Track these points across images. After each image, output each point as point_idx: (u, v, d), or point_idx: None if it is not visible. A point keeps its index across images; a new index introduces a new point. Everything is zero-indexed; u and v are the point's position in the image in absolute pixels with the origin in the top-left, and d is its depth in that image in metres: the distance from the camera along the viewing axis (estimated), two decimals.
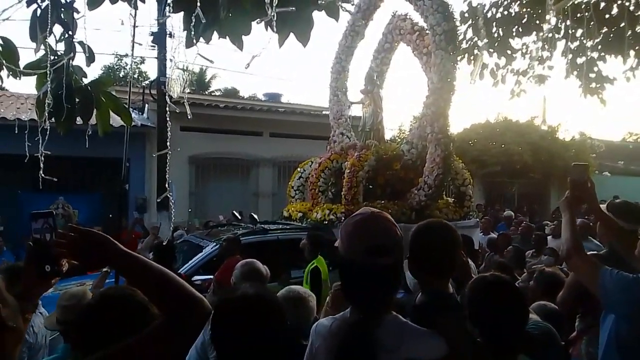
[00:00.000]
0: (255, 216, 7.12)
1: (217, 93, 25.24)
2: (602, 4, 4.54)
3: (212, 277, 4.98)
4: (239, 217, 7.43)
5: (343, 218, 6.37)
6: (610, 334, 1.99)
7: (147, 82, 11.91)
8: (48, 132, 2.81)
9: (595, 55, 4.44)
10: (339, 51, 8.03)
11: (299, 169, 8.22)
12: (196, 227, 9.38)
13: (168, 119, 2.89)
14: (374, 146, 7.07)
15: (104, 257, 1.29)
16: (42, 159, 2.71)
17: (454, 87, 6.42)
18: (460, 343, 1.60)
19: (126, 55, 24.06)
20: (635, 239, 2.13)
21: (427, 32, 6.60)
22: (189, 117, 2.55)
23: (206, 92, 23.35)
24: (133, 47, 3.06)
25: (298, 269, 5.34)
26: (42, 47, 2.69)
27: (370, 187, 7.00)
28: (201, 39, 2.39)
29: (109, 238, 1.28)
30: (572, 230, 2.13)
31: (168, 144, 2.45)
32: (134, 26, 2.79)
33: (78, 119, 2.78)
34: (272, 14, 1.95)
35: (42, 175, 2.67)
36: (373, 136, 7.44)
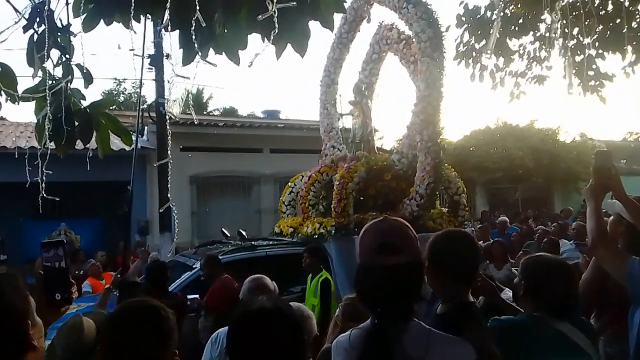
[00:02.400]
0: (244, 233, 7.04)
1: (216, 113, 25.37)
2: (597, 1, 4.55)
3: (197, 296, 4.95)
4: (228, 235, 7.37)
5: (333, 231, 6.32)
6: None
7: (146, 104, 11.94)
8: (48, 158, 2.79)
9: (593, 52, 4.44)
10: (328, 64, 8.01)
11: (289, 184, 8.10)
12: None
13: (169, 135, 2.86)
14: (364, 157, 6.98)
15: None
16: (43, 184, 2.68)
17: (442, 94, 6.33)
18: (488, 349, 1.58)
19: (124, 81, 24.25)
20: None
21: (414, 40, 6.55)
22: (195, 122, 2.52)
23: (204, 112, 23.46)
24: (142, 64, 3.05)
25: (287, 285, 5.29)
26: (40, 71, 2.68)
27: (362, 198, 6.89)
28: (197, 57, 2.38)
29: None
30: (597, 219, 2.09)
31: (170, 157, 2.41)
32: (142, 45, 2.77)
33: (78, 142, 2.76)
34: (273, 10, 1.92)
35: (44, 194, 2.64)
36: (363, 147, 7.36)
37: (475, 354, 1.47)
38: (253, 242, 6.64)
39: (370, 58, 7.94)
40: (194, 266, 5.77)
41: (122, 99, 25.78)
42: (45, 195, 2.76)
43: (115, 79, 25.10)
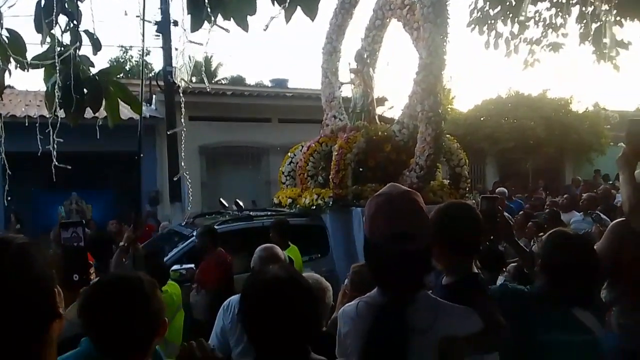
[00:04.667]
0: (241, 203, 7.03)
1: (224, 81, 25.20)
2: None
3: (192, 266, 4.90)
4: (226, 205, 7.36)
5: (331, 203, 6.27)
6: None
7: (153, 72, 11.86)
8: (58, 128, 2.79)
9: (611, 19, 4.30)
10: (330, 31, 7.75)
11: (289, 154, 7.97)
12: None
13: (183, 106, 2.84)
14: (364, 128, 6.85)
15: None
16: (54, 152, 2.69)
17: (445, 62, 6.16)
18: (494, 317, 1.59)
19: (131, 48, 24.07)
20: None
21: (417, 5, 6.29)
22: (205, 90, 2.49)
23: (212, 81, 23.30)
24: (144, 35, 3.01)
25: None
26: (48, 38, 2.66)
27: (361, 170, 6.80)
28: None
29: None
30: (632, 186, 2.08)
31: (183, 125, 2.39)
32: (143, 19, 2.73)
33: (88, 111, 2.75)
34: None
35: (56, 164, 2.65)
36: (364, 117, 7.20)
37: (481, 323, 1.50)
38: (250, 213, 6.61)
39: (374, 24, 7.71)
40: (190, 235, 5.75)
41: (128, 67, 25.63)
42: (57, 164, 2.77)
43: (122, 46, 24.91)
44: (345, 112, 7.71)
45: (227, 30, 2.19)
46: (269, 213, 6.73)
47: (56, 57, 2.65)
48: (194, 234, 5.54)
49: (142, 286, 1.38)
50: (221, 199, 7.60)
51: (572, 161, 16.55)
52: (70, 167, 2.82)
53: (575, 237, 2.13)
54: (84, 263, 1.51)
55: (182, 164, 3.18)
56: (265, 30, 2.08)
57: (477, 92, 49.25)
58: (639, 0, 4.15)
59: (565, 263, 1.91)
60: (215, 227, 5.57)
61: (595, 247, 2.51)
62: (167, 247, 6.10)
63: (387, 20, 7.56)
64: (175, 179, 7.81)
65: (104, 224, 9.15)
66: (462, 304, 1.54)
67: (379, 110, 8.88)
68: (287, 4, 2.14)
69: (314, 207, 6.46)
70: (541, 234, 5.56)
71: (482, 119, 15.36)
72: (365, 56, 7.53)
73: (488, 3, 4.24)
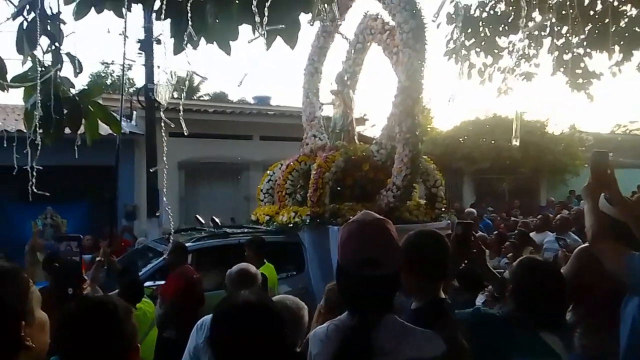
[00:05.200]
0: (217, 219, 7.03)
1: (206, 97, 25.20)
2: (587, 1, 4.59)
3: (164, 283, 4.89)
4: (202, 221, 7.35)
5: (308, 220, 6.31)
6: (635, 318, 2.01)
7: (134, 88, 11.83)
8: (34, 142, 2.78)
9: (581, 51, 4.50)
10: (312, 52, 7.92)
11: (268, 172, 8.05)
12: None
13: (163, 126, 2.86)
14: (343, 147, 6.95)
15: None
16: (33, 173, 2.68)
17: (422, 85, 6.34)
18: (457, 342, 1.67)
19: (113, 63, 23.92)
20: None
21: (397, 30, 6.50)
22: (184, 130, 2.53)
23: (195, 97, 23.27)
24: (124, 56, 3.04)
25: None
26: (29, 59, 2.67)
27: (339, 188, 6.88)
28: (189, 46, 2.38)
29: None
30: (595, 215, 2.16)
31: (164, 151, 2.42)
32: (124, 35, 2.77)
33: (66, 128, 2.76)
34: (261, 25, 1.94)
35: (34, 189, 2.64)
36: (343, 137, 7.33)
37: (444, 347, 1.54)
38: (226, 230, 6.61)
39: (355, 47, 7.88)
40: (164, 252, 5.71)
41: (110, 81, 25.46)
42: (34, 182, 2.76)
43: (104, 62, 24.76)
44: (326, 131, 7.81)
45: (204, 78, 2.25)
46: (246, 230, 6.73)
47: (37, 78, 2.65)
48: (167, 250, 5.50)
49: (116, 312, 1.38)
50: (197, 216, 7.60)
51: (547, 182, 16.94)
52: (48, 195, 2.80)
53: (543, 263, 2.24)
54: (79, 277, 1.53)
55: (164, 178, 3.18)
56: (245, 77, 2.14)
57: (456, 113, 50.12)
58: (606, 34, 4.36)
59: (533, 288, 2.00)
60: (191, 244, 5.55)
61: (561, 271, 2.62)
62: (141, 262, 6.07)
63: (368, 44, 7.74)
64: (152, 170, 7.71)
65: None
66: (428, 327, 1.59)
67: (359, 129, 9.01)
68: (263, 31, 2.20)
69: (291, 224, 6.49)
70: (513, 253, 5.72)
71: (460, 139, 15.65)
72: (345, 78, 7.69)
73: (463, 35, 4.41)
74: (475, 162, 14.85)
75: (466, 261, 2.51)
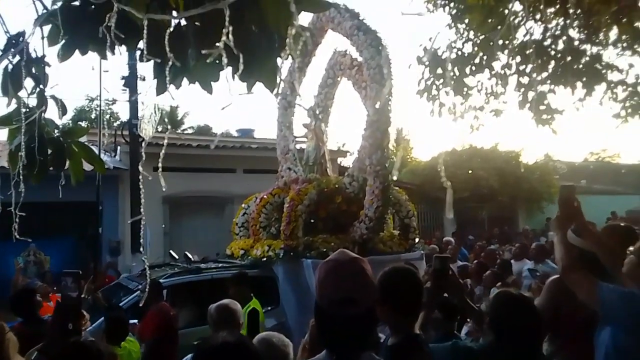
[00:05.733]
0: (190, 255, 6.96)
1: (190, 130, 25.31)
2: (549, 40, 4.88)
3: (136, 321, 4.77)
4: (176, 257, 7.27)
5: (282, 254, 6.26)
6: (608, 347, 2.06)
7: (118, 122, 11.93)
8: (17, 182, 2.83)
9: (545, 88, 4.74)
10: (284, 87, 8.00)
11: (243, 205, 8.01)
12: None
13: (141, 166, 2.94)
14: (316, 180, 6.97)
15: None
16: (16, 218, 2.72)
17: (390, 119, 6.47)
18: None
19: (97, 98, 24.02)
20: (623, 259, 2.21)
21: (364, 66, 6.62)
22: (160, 165, 2.62)
23: (179, 130, 23.37)
24: (101, 94, 3.14)
25: None
26: (14, 100, 2.75)
27: (312, 221, 6.85)
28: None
29: None
30: (565, 248, 2.25)
31: (141, 188, 2.50)
32: (101, 74, 2.88)
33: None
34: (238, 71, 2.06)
35: (16, 235, 2.69)
36: (316, 170, 7.37)
37: None
38: (200, 265, 6.53)
39: (325, 82, 8.04)
40: (135, 289, 5.60)
41: (94, 115, 25.47)
42: (17, 224, 2.80)
43: (88, 96, 24.85)
44: (300, 164, 7.86)
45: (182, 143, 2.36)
46: (220, 265, 6.66)
47: (22, 120, 2.72)
48: (139, 287, 5.40)
49: (100, 358, 1.43)
50: (171, 251, 7.46)
51: (524, 209, 17.27)
52: (28, 220, 2.84)
53: (519, 297, 2.32)
54: (78, 313, 1.57)
55: (143, 215, 3.23)
56: (223, 110, 2.26)
57: (435, 143, 50.90)
58: (568, 71, 4.63)
59: (508, 321, 2.11)
60: (162, 280, 5.46)
61: (536, 301, 2.72)
62: (114, 300, 5.96)
63: (338, 78, 7.89)
64: (131, 221, 7.67)
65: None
66: None
67: (340, 160, 9.06)
68: (242, 77, 2.33)
69: (265, 258, 6.42)
70: (499, 283, 5.82)
71: (438, 169, 15.90)
72: (317, 112, 7.77)
73: (433, 76, 4.63)
74: (454, 192, 15.06)
75: (445, 294, 2.62)
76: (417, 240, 7.30)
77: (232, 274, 5.60)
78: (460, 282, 2.67)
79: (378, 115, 6.33)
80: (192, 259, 6.87)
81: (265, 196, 7.22)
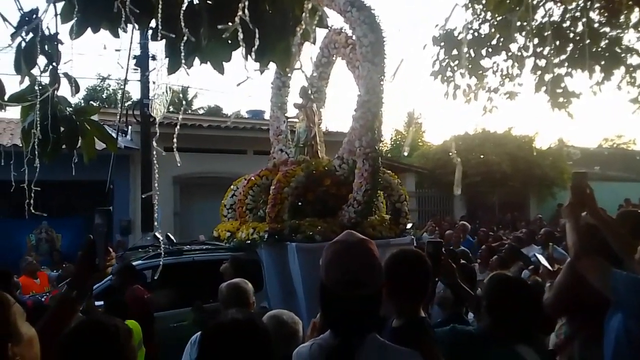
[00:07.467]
0: (172, 236, 6.79)
1: (201, 111, 25.31)
2: (568, 22, 4.77)
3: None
4: (160, 238, 7.20)
5: (266, 236, 6.08)
6: (620, 333, 2.05)
7: (130, 102, 11.93)
8: (31, 159, 2.84)
9: (562, 71, 4.66)
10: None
11: (232, 187, 7.78)
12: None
13: (154, 141, 2.93)
14: (305, 162, 6.74)
15: None
16: (31, 194, 2.74)
17: (382, 100, 6.21)
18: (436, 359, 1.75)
19: (109, 77, 24.06)
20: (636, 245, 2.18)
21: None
22: (176, 156, 2.61)
23: (189, 111, 23.38)
24: (126, 75, 3.13)
25: (214, 293, 4.99)
26: (27, 78, 2.75)
27: (300, 204, 6.63)
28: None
29: None
30: (577, 234, 2.25)
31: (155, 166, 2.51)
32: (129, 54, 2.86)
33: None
34: (250, 52, 2.03)
35: (32, 209, 2.71)
36: (307, 152, 7.12)
37: None
38: (182, 247, 6.39)
39: (320, 62, 7.74)
40: (111, 272, 5.55)
41: (105, 95, 25.59)
42: (32, 202, 2.82)
43: (99, 75, 24.88)
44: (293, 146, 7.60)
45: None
46: (204, 247, 6.57)
47: (36, 97, 2.72)
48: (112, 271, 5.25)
49: (117, 335, 1.38)
50: (156, 233, 7.38)
51: (536, 195, 17.13)
52: (45, 214, 2.87)
53: (513, 278, 2.35)
54: (105, 250, 1.66)
55: (156, 188, 3.22)
56: (238, 85, 2.23)
57: (447, 127, 50.49)
58: (586, 54, 4.52)
59: (504, 303, 2.10)
60: (141, 262, 5.40)
61: (555, 282, 2.70)
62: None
63: (333, 57, 7.63)
64: (143, 196, 7.66)
65: (74, 252, 9.02)
66: (408, 346, 1.63)
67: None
68: (255, 57, 2.31)
69: (249, 241, 6.27)
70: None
71: (450, 154, 15.83)
72: (310, 92, 7.47)
73: (449, 57, 4.55)
74: (465, 177, 14.94)
75: (436, 279, 2.62)
76: (408, 225, 7.04)
77: (213, 256, 5.55)
78: (453, 266, 2.65)
79: (369, 95, 6.07)
80: (175, 241, 6.66)
81: (252, 177, 7.01)
